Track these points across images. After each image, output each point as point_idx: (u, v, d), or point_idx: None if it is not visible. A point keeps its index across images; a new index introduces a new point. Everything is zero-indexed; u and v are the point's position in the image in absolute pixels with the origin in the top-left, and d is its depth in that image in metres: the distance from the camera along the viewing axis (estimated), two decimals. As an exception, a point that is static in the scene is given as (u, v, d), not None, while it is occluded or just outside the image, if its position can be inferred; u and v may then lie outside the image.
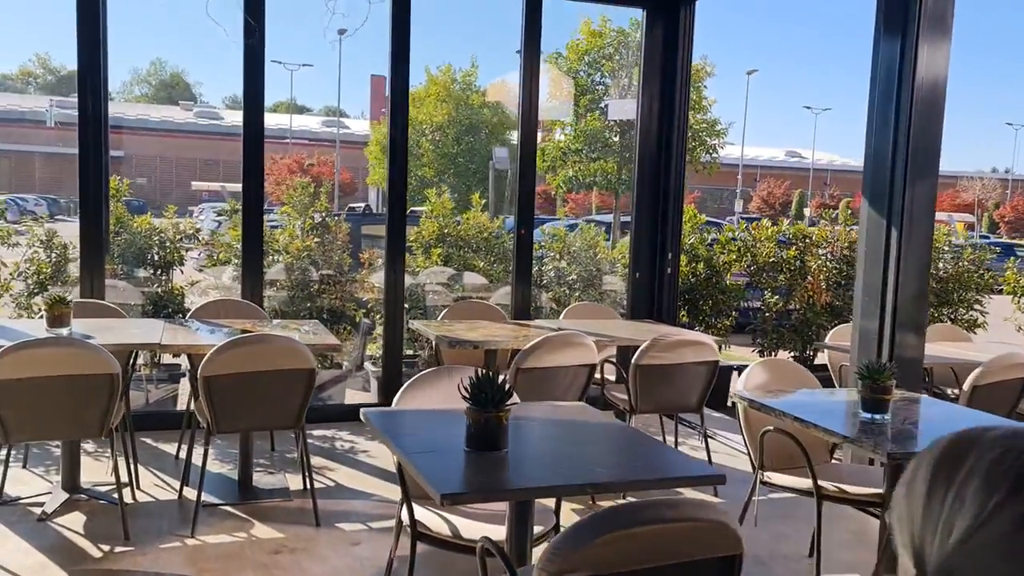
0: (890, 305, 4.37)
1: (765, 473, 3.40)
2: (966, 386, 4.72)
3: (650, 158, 6.35)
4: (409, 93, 5.87)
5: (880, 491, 3.07)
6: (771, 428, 3.29)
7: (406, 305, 6.18)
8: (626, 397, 4.50)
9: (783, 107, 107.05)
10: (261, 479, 4.53)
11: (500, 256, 7.23)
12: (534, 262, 6.50)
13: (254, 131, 5.50)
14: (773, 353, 6.98)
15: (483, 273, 7.14)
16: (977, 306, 7.07)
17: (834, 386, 5.85)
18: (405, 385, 3.03)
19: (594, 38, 12.73)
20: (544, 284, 7.29)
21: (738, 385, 3.47)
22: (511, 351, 4.34)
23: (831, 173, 58.29)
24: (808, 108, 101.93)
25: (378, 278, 7.17)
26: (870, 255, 4.48)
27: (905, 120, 4.31)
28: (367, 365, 6.92)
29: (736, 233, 7.11)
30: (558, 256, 7.30)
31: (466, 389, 2.36)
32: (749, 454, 3.47)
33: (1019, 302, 7.67)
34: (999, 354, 4.73)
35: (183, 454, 4.69)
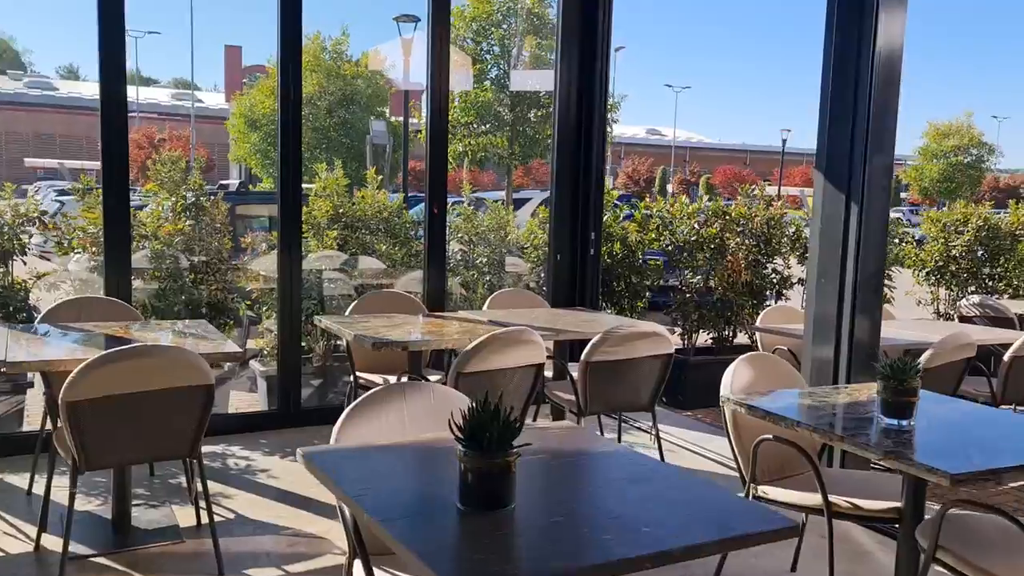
0: (849, 287, 4.07)
1: (760, 488, 2.97)
2: (918, 370, 4.52)
3: (570, 133, 5.85)
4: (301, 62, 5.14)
5: (898, 505, 2.70)
6: (769, 437, 2.87)
7: (302, 296, 5.42)
8: (572, 397, 4.00)
9: (645, 85, 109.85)
10: (142, 516, 3.73)
11: (402, 239, 6.55)
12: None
13: (115, 99, 4.57)
14: (693, 335, 6.68)
15: (384, 257, 6.45)
16: (887, 281, 7.02)
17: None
18: (347, 411, 2.38)
19: (481, 4, 12.06)
20: (451, 268, 6.67)
21: (724, 386, 3.03)
22: (447, 351, 3.74)
23: (690, 150, 60.32)
24: (669, 86, 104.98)
25: (264, 265, 6.35)
26: (827, 234, 4.15)
27: (864, 92, 3.98)
28: (253, 363, 6.11)
29: (654, 210, 6.74)
30: (466, 237, 6.71)
31: (458, 427, 1.76)
32: (738, 466, 3.03)
33: (918, 275, 7.73)
34: (948, 335, 4.54)
35: (38, 489, 3.82)
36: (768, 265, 6.72)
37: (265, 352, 5.96)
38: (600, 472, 2.12)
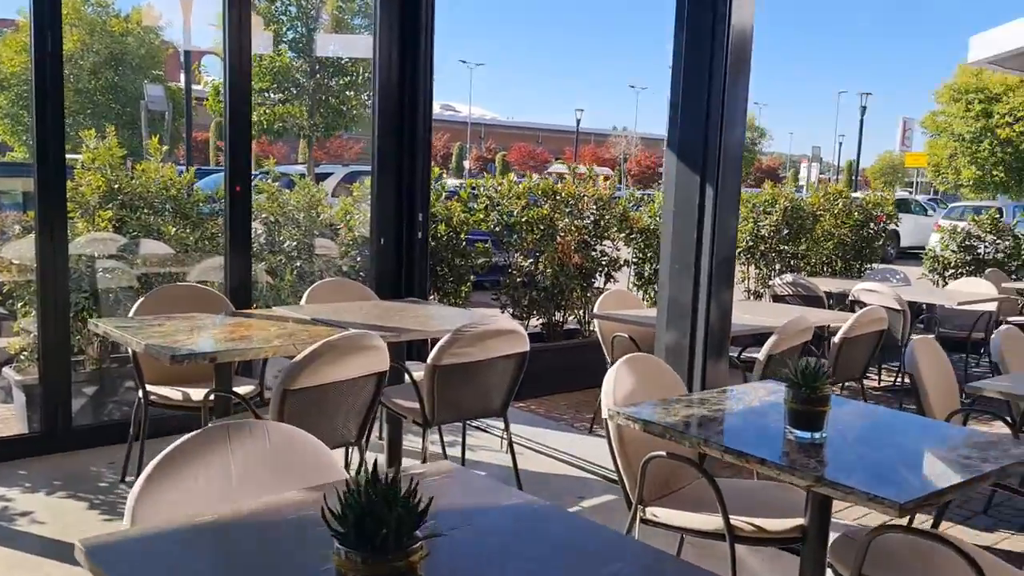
0: (705, 271, 3.84)
1: (648, 510, 2.62)
2: (762, 355, 4.43)
3: (392, 105, 5.24)
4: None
5: (801, 523, 2.44)
6: (662, 454, 2.51)
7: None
8: (416, 405, 3.47)
9: (439, 59, 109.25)
10: None
11: (194, 220, 5.64)
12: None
13: None
14: (524, 321, 6.34)
15: (174, 241, 5.52)
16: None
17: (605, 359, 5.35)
18: (148, 471, 1.71)
19: (275, -43, 10.97)
20: (254, 253, 5.85)
21: (606, 394, 2.64)
22: (262, 361, 3.08)
23: (485, 128, 60.82)
24: (464, 62, 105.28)
25: (17, 251, 5.22)
26: (681, 216, 3.90)
27: (720, 68, 3.75)
28: (6, 371, 5.01)
29: (481, 189, 6.29)
30: (272, 218, 5.91)
31: (331, 512, 1.19)
32: (623, 484, 2.66)
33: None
34: (790, 320, 4.49)
35: None
36: (596, 247, 6.51)
37: (23, 356, 4.90)
38: (527, 546, 1.62)
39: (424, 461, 3.53)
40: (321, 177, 11.44)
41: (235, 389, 3.54)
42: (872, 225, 8.17)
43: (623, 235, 6.65)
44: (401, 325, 3.68)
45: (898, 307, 6.06)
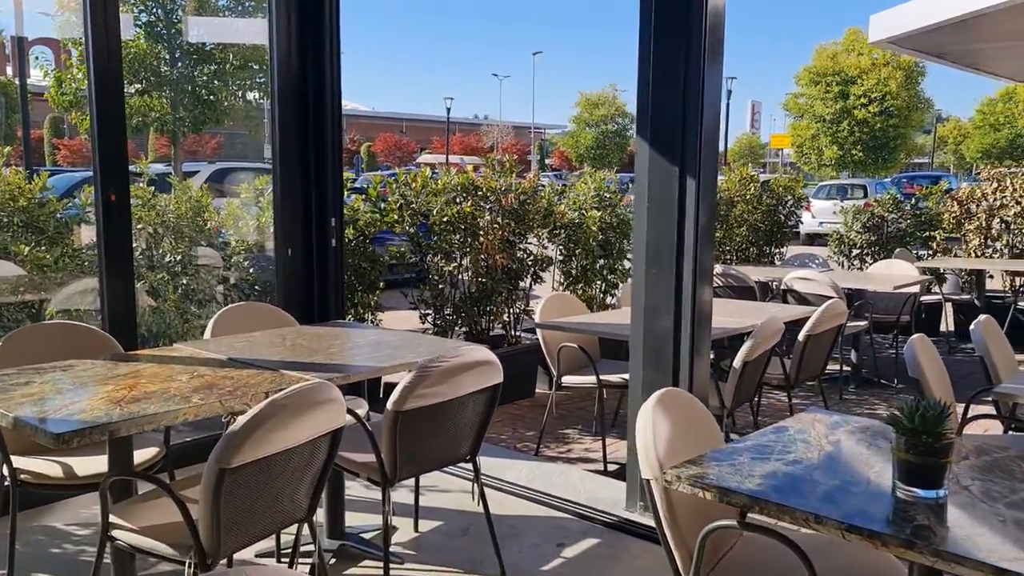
0: (689, 271, 3.39)
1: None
2: (737, 362, 4.04)
3: (293, 98, 4.49)
4: None
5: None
6: (732, 523, 2.02)
7: None
8: (371, 459, 2.83)
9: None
10: None
11: (51, 235, 4.70)
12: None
13: None
14: (449, 332, 5.73)
15: (27, 262, 4.57)
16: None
17: (549, 371, 4.84)
18: None
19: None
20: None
21: (647, 449, 2.11)
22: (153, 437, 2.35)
23: (347, 118, 58.98)
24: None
25: None
26: (658, 211, 3.42)
27: (697, 49, 3.29)
28: None
29: (394, 186, 5.61)
30: (150, 229, 5.02)
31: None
32: (670, 555, 2.14)
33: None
34: (764, 321, 4.12)
35: None
36: (519, 245, 5.97)
37: None
38: None
39: (386, 525, 2.89)
40: (186, 176, 10.33)
41: (135, 456, 2.79)
42: (782, 209, 8.05)
43: (547, 231, 6.15)
44: (345, 361, 3.01)
45: (834, 295, 5.86)
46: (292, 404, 2.23)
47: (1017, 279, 7.86)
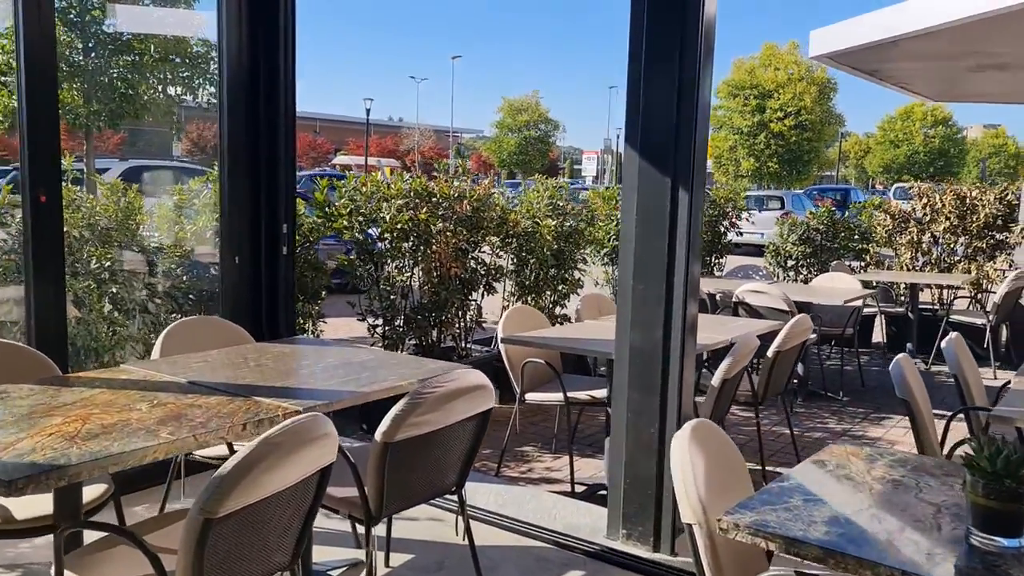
0: (680, 292, 3.25)
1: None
2: (716, 381, 3.94)
3: (244, 93, 4.17)
4: None
5: None
6: (790, 573, 1.86)
7: None
8: (354, 494, 2.57)
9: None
10: None
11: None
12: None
13: None
14: (400, 344, 5.45)
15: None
16: (582, 266, 6.56)
17: (506, 386, 4.64)
18: None
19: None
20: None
21: (684, 492, 1.94)
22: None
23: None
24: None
25: None
26: (648, 225, 3.27)
27: (693, 55, 3.16)
28: None
29: (343, 190, 5.29)
30: (77, 232, 4.57)
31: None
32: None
33: (594, 255, 7.44)
34: (740, 338, 4.03)
35: None
36: (471, 254, 5.75)
37: None
38: None
39: (370, 567, 2.63)
40: (104, 169, 9.67)
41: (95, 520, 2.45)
42: (724, 221, 8.08)
43: (499, 239, 5.95)
44: (320, 384, 2.74)
45: (786, 308, 5.86)
46: (287, 442, 1.97)
47: (946, 292, 8.11)
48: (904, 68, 8.61)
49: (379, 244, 5.31)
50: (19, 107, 3.38)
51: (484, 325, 6.09)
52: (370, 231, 5.36)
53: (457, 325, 5.78)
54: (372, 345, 5.58)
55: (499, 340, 4.50)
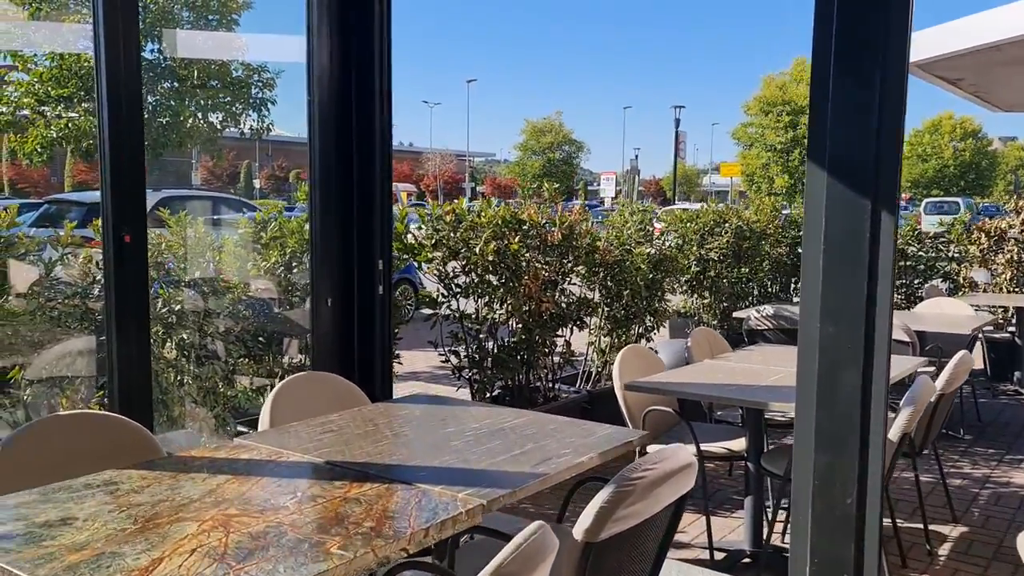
0: (883, 337, 2.74)
1: None
2: (894, 435, 3.42)
3: (336, 119, 3.73)
4: None
5: None
6: None
7: None
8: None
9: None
10: None
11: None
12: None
13: None
14: (490, 388, 4.95)
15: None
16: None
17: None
18: None
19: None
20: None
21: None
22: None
23: (273, 145, 57.24)
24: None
25: None
26: (838, 253, 2.77)
27: (900, 52, 2.68)
28: None
29: (426, 219, 4.82)
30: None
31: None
32: None
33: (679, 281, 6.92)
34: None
35: None
36: (559, 286, 5.27)
37: None
38: None
39: None
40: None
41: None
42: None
43: (586, 269, 5.46)
44: (490, 462, 2.24)
45: (907, 339, 5.35)
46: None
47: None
48: (988, 79, 8.13)
49: (458, 278, 4.84)
50: (99, 138, 2.94)
51: (574, 363, 5.60)
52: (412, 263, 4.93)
53: (545, 365, 5.28)
54: (457, 390, 5.09)
55: (619, 386, 4.00)
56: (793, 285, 7.72)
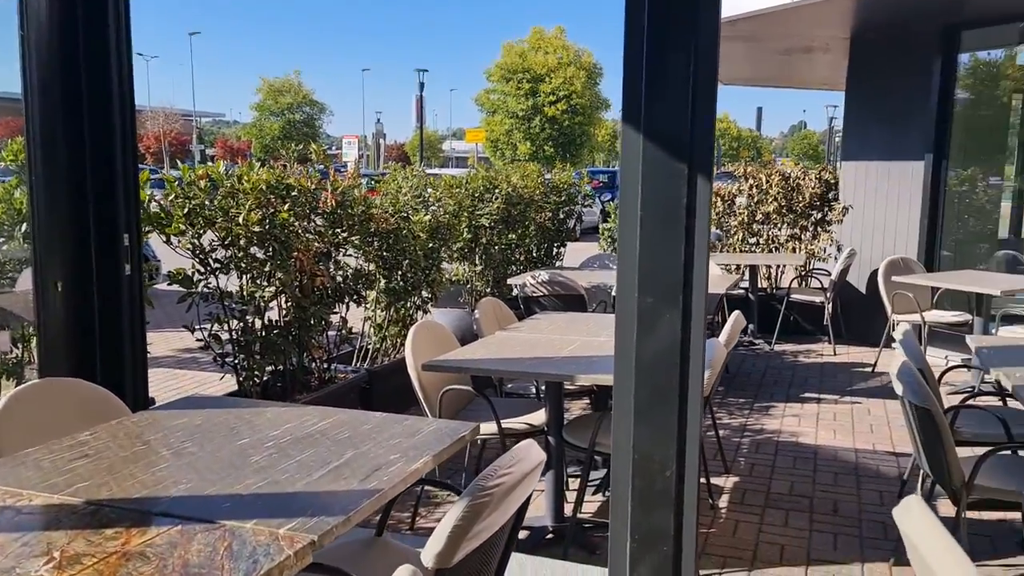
0: (698, 308, 2.70)
1: None
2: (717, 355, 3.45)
3: (62, 58, 2.99)
4: None
5: None
6: None
7: None
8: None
9: None
10: None
11: None
12: None
13: None
14: (256, 378, 4.39)
15: None
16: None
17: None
18: None
19: None
20: None
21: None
22: None
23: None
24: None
25: None
26: (656, 223, 2.67)
27: (710, 22, 2.60)
28: None
29: (175, 185, 4.10)
30: None
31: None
32: None
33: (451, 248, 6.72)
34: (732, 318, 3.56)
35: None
36: (334, 258, 4.82)
37: None
38: None
39: None
40: None
41: None
42: (573, 207, 7.72)
43: (360, 240, 5.06)
44: (308, 480, 1.85)
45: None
46: None
47: (775, 272, 8.35)
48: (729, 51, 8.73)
49: (232, 249, 4.24)
50: None
51: (351, 341, 5.19)
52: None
53: (320, 345, 4.83)
54: (222, 378, 4.50)
55: (413, 367, 3.70)
56: (556, 249, 7.84)
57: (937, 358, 6.39)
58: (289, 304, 4.48)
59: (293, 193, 4.42)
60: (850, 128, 7.96)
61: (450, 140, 58.92)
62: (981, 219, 7.58)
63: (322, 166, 4.80)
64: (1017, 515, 3.58)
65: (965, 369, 6.38)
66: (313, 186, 4.63)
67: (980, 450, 3.80)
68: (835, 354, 7.21)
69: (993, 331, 5.80)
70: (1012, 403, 3.73)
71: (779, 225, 8.16)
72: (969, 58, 7.20)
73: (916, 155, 7.14)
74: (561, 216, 7.85)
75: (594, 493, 4.20)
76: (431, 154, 53.44)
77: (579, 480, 3.83)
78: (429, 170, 7.63)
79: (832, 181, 8.14)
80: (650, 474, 2.82)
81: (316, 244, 4.59)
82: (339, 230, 4.74)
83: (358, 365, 5.30)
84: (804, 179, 8.06)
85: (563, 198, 7.70)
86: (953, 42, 6.89)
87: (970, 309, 6.04)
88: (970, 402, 3.65)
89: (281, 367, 4.60)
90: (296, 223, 4.51)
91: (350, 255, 5.00)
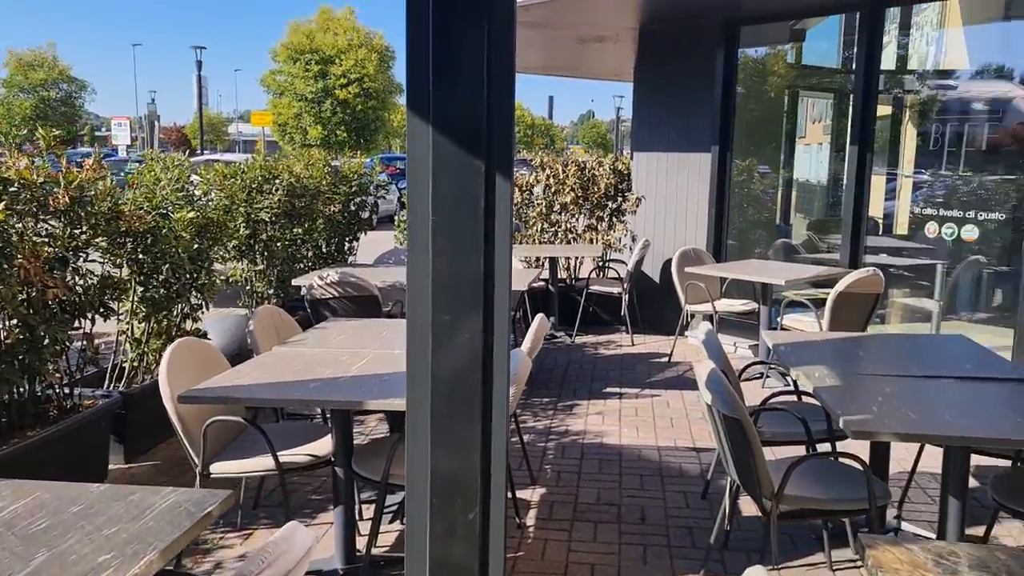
0: (502, 320, 2.35)
1: None
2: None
3: None
4: None
5: None
6: None
7: None
8: None
9: None
10: None
11: None
12: None
13: None
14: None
15: None
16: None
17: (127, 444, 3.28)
18: None
19: None
20: None
21: None
22: None
23: None
24: None
25: None
26: (453, 222, 2.29)
27: (501, 14, 2.25)
28: None
29: None
30: None
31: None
32: None
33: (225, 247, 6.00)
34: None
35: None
36: (74, 264, 4.03)
37: None
38: None
39: None
40: None
41: None
42: (360, 197, 7.20)
43: (107, 242, 4.29)
44: None
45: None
46: None
47: (573, 263, 8.31)
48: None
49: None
50: None
51: (100, 360, 4.41)
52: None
53: (58, 368, 4.04)
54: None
55: (169, 397, 3.09)
56: (347, 244, 7.30)
57: (727, 345, 6.56)
58: (12, 322, 3.67)
59: (12, 188, 3.60)
60: (639, 119, 8.05)
61: (236, 123, 55.59)
62: (759, 208, 7.94)
63: (53, 154, 3.97)
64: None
65: (752, 355, 6.60)
66: (41, 180, 3.83)
67: (780, 450, 3.82)
68: (633, 344, 7.25)
69: (778, 318, 6.01)
70: (807, 398, 3.75)
71: (576, 216, 8.12)
72: (750, 53, 7.47)
73: (703, 146, 7.31)
74: (353, 208, 7.32)
75: (391, 521, 3.79)
76: (215, 137, 50.09)
77: (373, 509, 3.41)
78: (213, 155, 6.81)
79: (625, 172, 8.20)
80: (449, 505, 2.45)
81: (48, 249, 3.80)
82: (78, 231, 3.96)
83: (110, 388, 4.52)
84: (599, 169, 8.06)
85: (354, 188, 7.16)
86: (734, 36, 7.08)
87: (756, 297, 6.23)
88: (771, 402, 3.61)
89: (7, 397, 3.78)
90: (19, 224, 3.70)
91: (96, 260, 4.23)
